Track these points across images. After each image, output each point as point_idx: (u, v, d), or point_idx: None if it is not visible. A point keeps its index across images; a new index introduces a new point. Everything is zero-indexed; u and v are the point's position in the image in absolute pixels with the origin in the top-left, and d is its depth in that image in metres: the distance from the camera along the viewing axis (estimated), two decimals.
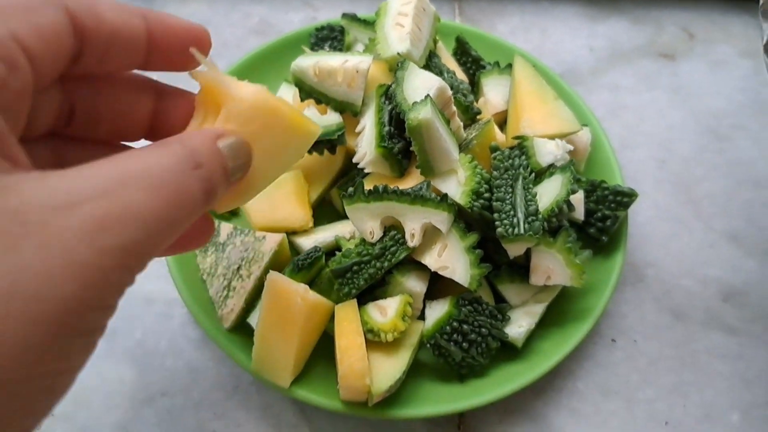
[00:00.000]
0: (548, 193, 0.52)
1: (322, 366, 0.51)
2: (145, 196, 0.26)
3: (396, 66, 0.54)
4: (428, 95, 0.50)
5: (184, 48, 0.34)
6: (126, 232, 0.25)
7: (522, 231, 0.48)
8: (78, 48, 0.30)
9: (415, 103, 0.50)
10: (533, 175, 0.53)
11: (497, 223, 0.49)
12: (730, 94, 0.72)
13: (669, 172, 0.67)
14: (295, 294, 0.48)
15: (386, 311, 0.50)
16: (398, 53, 0.55)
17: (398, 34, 0.56)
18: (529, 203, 0.50)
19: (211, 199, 0.30)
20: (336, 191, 0.59)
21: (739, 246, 0.62)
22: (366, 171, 0.53)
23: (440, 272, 0.50)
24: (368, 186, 0.53)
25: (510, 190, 0.50)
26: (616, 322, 0.58)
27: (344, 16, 0.66)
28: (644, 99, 0.72)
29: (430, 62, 0.58)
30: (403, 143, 0.53)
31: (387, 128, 0.52)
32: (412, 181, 0.53)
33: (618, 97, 0.72)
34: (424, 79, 0.53)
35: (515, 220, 0.49)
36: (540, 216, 0.49)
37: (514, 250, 0.50)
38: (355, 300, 0.51)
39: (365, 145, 0.54)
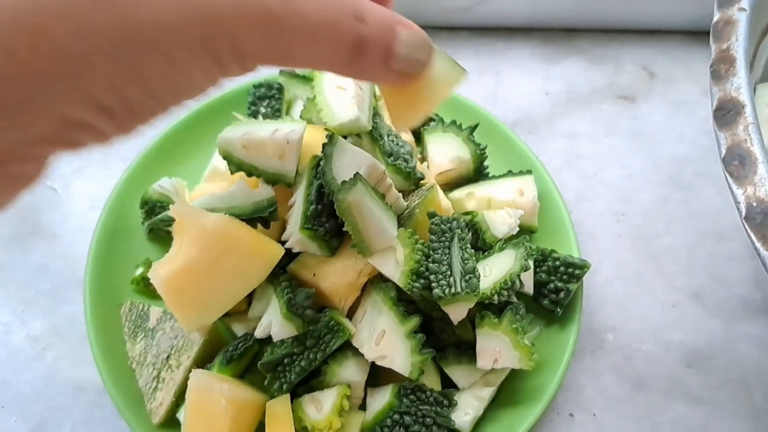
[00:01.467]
0: (499, 266, 0.49)
1: None
2: None
3: (325, 140, 0.50)
4: (357, 173, 0.47)
5: None
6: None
7: (459, 289, 0.45)
8: None
9: (343, 182, 0.46)
10: (470, 234, 0.50)
11: (434, 284, 0.46)
12: (693, 137, 0.70)
13: (628, 225, 0.64)
14: (219, 396, 0.45)
15: (322, 405, 0.47)
16: (349, 120, 0.52)
17: (342, 99, 0.53)
18: (465, 262, 0.47)
19: (358, 61, 0.30)
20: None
21: (703, 305, 0.59)
22: (294, 251, 0.50)
23: (378, 362, 0.47)
24: (294, 266, 0.51)
25: (447, 251, 0.47)
26: (574, 395, 0.55)
27: (282, 72, 0.62)
28: (603, 146, 0.69)
29: (375, 124, 0.55)
30: (332, 222, 0.49)
31: (313, 207, 0.49)
32: (338, 264, 0.50)
33: (575, 145, 0.69)
34: (353, 156, 0.49)
35: (451, 279, 0.46)
36: (477, 273, 0.46)
37: (456, 312, 0.47)
38: (287, 396, 0.47)
39: (293, 223, 0.50)
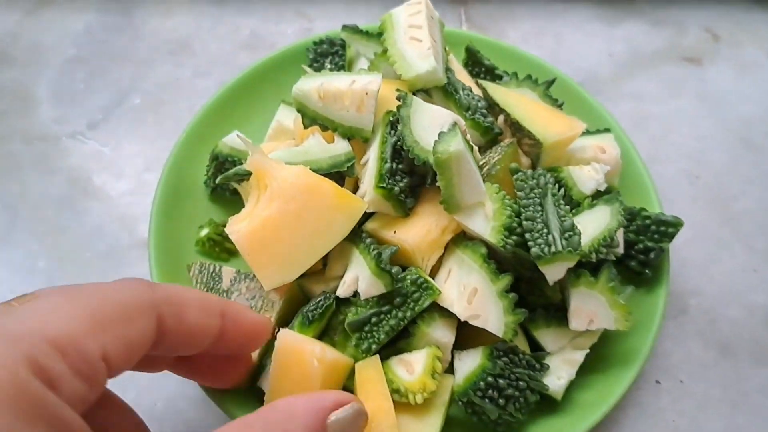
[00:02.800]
0: (593, 223, 0.47)
1: None
2: None
3: (398, 101, 0.48)
4: (455, 123, 0.44)
5: (248, 339, 0.40)
6: None
7: (560, 248, 0.43)
8: (155, 343, 0.33)
9: (441, 133, 0.44)
10: (561, 191, 0.47)
11: (530, 243, 0.43)
12: (761, 99, 0.68)
13: (702, 187, 0.62)
14: (310, 355, 0.42)
15: (413, 367, 0.44)
16: (426, 71, 0.49)
17: (417, 50, 0.51)
18: (563, 219, 0.44)
19: None
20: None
21: None
22: (368, 210, 0.47)
23: (471, 321, 0.45)
24: (372, 225, 0.48)
25: (539, 208, 0.45)
26: (660, 362, 0.53)
27: (345, 28, 0.60)
28: (670, 108, 0.67)
29: (448, 79, 0.52)
30: (407, 181, 0.47)
31: (388, 165, 0.46)
32: (419, 222, 0.47)
33: (642, 107, 0.67)
34: (433, 115, 0.47)
35: (550, 237, 0.43)
36: (577, 230, 0.44)
37: (553, 272, 0.44)
38: (377, 356, 0.45)
39: (367, 181, 0.48)
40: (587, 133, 0.56)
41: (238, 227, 0.44)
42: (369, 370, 0.44)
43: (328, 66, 0.59)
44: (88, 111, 0.64)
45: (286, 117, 0.57)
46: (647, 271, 0.51)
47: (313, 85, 0.49)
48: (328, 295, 0.48)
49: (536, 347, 0.49)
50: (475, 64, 0.61)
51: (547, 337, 0.48)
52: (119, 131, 0.63)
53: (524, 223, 0.45)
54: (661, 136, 0.65)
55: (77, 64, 0.67)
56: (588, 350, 0.48)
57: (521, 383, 0.45)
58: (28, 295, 0.30)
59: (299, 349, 0.42)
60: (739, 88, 0.68)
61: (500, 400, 0.44)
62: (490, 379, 0.44)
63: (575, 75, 0.68)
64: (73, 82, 0.66)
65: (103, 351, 0.28)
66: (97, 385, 0.28)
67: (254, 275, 0.48)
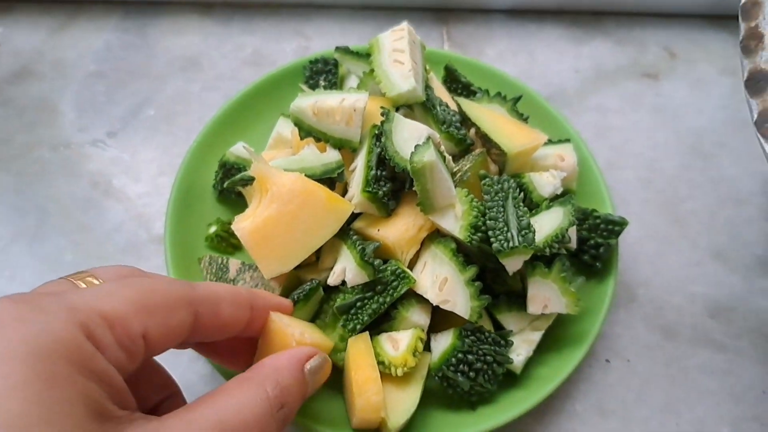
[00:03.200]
0: (548, 222, 0.54)
1: (326, 398, 0.53)
2: None
3: (381, 117, 0.55)
4: (429, 137, 0.52)
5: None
6: None
7: (516, 243, 0.50)
8: (191, 333, 0.37)
9: (417, 146, 0.51)
10: (522, 194, 0.55)
11: (492, 239, 0.51)
12: (711, 112, 0.75)
13: (655, 191, 0.69)
14: (291, 338, 0.48)
15: (398, 344, 0.52)
16: (407, 90, 0.57)
17: (399, 71, 0.58)
18: (520, 218, 0.52)
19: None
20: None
21: (724, 262, 0.65)
22: (355, 212, 0.55)
23: (442, 306, 0.52)
24: (359, 224, 0.56)
25: (502, 209, 0.52)
26: (610, 343, 0.60)
27: (337, 49, 0.67)
28: (630, 120, 0.74)
29: (427, 95, 0.60)
30: (389, 186, 0.54)
31: (374, 172, 0.54)
32: (399, 221, 0.55)
33: (605, 119, 0.74)
34: (411, 129, 0.55)
35: (509, 234, 0.51)
36: (532, 228, 0.51)
37: (512, 264, 0.51)
38: (367, 333, 0.53)
39: (354, 186, 0.55)
40: (550, 142, 0.64)
41: (242, 225, 0.52)
42: (360, 344, 0.51)
43: (322, 83, 0.67)
44: (108, 121, 0.71)
45: (285, 128, 0.64)
46: (598, 264, 0.58)
47: (308, 102, 0.56)
48: (313, 281, 0.55)
49: (499, 329, 0.56)
50: (453, 80, 0.68)
51: (509, 319, 0.56)
52: (136, 139, 0.70)
53: (488, 222, 0.52)
54: (620, 145, 0.72)
55: (98, 79, 0.74)
56: (544, 331, 0.55)
57: (488, 357, 0.52)
58: (84, 272, 0.37)
59: (282, 331, 0.49)
60: (692, 102, 0.76)
61: (471, 374, 0.52)
62: (460, 355, 0.52)
63: (545, 89, 0.76)
64: (94, 95, 0.73)
65: (145, 331, 0.33)
66: (136, 358, 0.33)
67: (257, 266, 0.56)
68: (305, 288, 0.54)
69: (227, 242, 0.60)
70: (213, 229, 0.60)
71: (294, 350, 0.42)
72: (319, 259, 0.57)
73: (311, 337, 0.51)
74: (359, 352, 0.51)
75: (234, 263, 0.57)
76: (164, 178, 0.66)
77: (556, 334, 0.57)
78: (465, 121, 0.62)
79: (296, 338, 0.49)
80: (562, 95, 0.76)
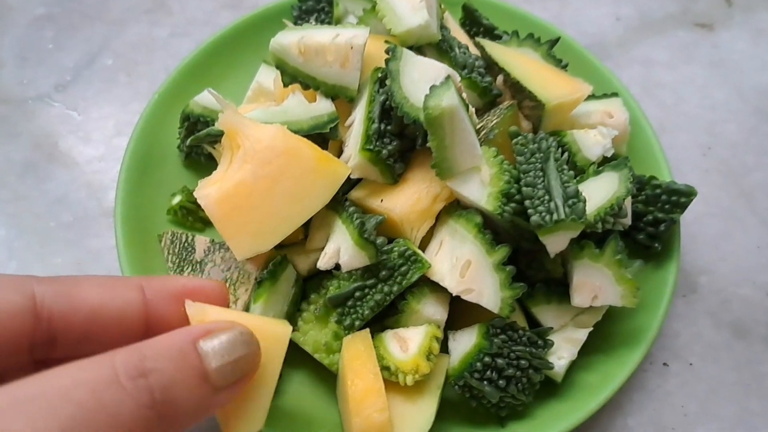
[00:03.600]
0: (598, 191, 0.43)
1: (316, 407, 0.42)
2: (23, 424, 0.23)
3: (386, 55, 0.44)
4: (449, 76, 0.40)
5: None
6: None
7: (563, 216, 0.39)
8: (46, 330, 0.30)
9: (433, 87, 0.40)
10: (566, 155, 0.43)
11: (530, 211, 0.40)
12: None
13: (716, 159, 0.58)
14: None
15: (407, 345, 0.41)
16: (418, 25, 0.45)
17: (409, 3, 0.47)
18: (566, 185, 0.41)
19: (169, 417, 0.27)
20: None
21: None
22: (352, 176, 0.43)
23: (464, 296, 0.41)
24: (357, 193, 0.45)
25: (540, 173, 0.41)
26: (668, 342, 0.50)
27: None
28: (682, 75, 0.63)
29: (443, 36, 0.48)
30: (396, 144, 0.43)
31: (376, 126, 0.42)
32: (408, 189, 0.43)
33: (652, 73, 0.63)
34: (424, 68, 0.43)
35: (552, 204, 0.39)
36: (582, 197, 0.40)
37: (555, 243, 0.41)
38: (367, 330, 0.41)
39: (352, 144, 0.44)
40: (593, 97, 0.52)
41: (207, 191, 0.40)
42: (358, 345, 0.41)
43: (313, 23, 0.55)
44: (56, 72, 0.60)
45: (267, 77, 0.53)
46: (657, 244, 0.47)
47: (292, 38, 0.45)
48: (284, 257, 0.44)
49: (535, 326, 0.45)
50: (473, 23, 0.56)
51: (547, 314, 0.45)
52: (89, 93, 0.59)
53: (524, 189, 0.41)
54: (671, 104, 0.61)
55: (45, 23, 0.63)
56: (591, 329, 0.44)
57: (522, 362, 0.41)
58: None
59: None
60: (754, 55, 0.64)
61: (500, 382, 0.41)
62: (487, 359, 0.41)
63: (581, 39, 0.64)
64: (40, 42, 0.62)
65: None
66: None
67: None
68: (268, 266, 0.43)
69: (194, 216, 0.49)
70: (177, 199, 0.49)
71: (185, 327, 0.30)
72: (307, 237, 0.46)
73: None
74: (357, 357, 0.40)
75: (201, 241, 0.46)
76: (121, 139, 0.55)
77: (605, 332, 0.46)
78: (490, 67, 0.50)
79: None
80: (600, 46, 0.64)
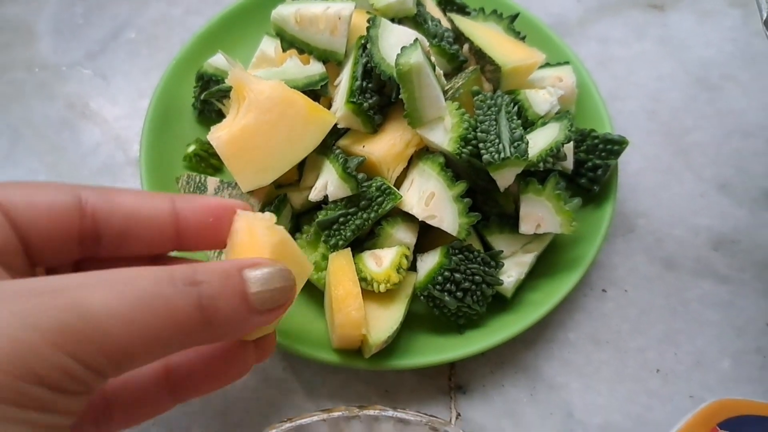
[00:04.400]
0: (543, 138, 0.51)
1: (306, 319, 0.51)
2: (102, 295, 0.27)
3: (367, 24, 0.52)
4: (416, 38, 0.49)
5: (215, 226, 0.37)
6: (62, 316, 0.25)
7: (508, 154, 0.47)
8: (91, 226, 0.33)
9: (403, 48, 0.48)
10: (516, 108, 0.51)
11: (482, 152, 0.48)
12: (719, 44, 0.71)
13: (659, 122, 0.66)
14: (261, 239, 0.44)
15: (382, 261, 0.49)
16: (396, 0, 0.54)
17: None
18: (513, 131, 0.49)
19: (212, 323, 0.30)
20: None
21: (729, 195, 0.62)
22: (339, 125, 0.52)
23: (428, 221, 0.49)
24: (344, 141, 0.53)
25: (494, 122, 0.49)
26: (607, 273, 0.58)
27: None
28: (634, 50, 0.71)
29: (418, 10, 0.57)
30: (376, 99, 0.51)
31: (359, 83, 0.51)
32: (386, 137, 0.52)
33: (607, 49, 0.71)
34: (399, 34, 0.51)
35: (500, 146, 0.47)
36: (525, 140, 0.48)
37: (503, 178, 0.49)
38: (349, 249, 0.50)
39: (339, 99, 0.52)
40: (548, 65, 0.60)
41: (218, 134, 0.49)
42: (341, 259, 0.49)
43: None
44: (86, 43, 0.68)
45: (269, 46, 0.61)
46: (596, 187, 0.55)
47: (290, 10, 0.53)
48: (283, 195, 0.53)
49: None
50: (447, 2, 0.64)
51: (500, 241, 0.53)
52: (115, 62, 0.67)
53: (479, 135, 0.49)
54: (623, 76, 0.69)
55: (76, 1, 0.71)
56: (537, 254, 0.53)
57: (476, 277, 0.50)
58: None
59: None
60: (699, 34, 0.72)
61: (458, 293, 0.49)
62: (446, 273, 0.49)
63: (546, 18, 0.72)
64: (72, 17, 0.70)
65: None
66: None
67: (235, 184, 0.53)
68: (274, 201, 0.52)
69: (206, 162, 0.57)
70: (192, 148, 0.57)
71: (236, 259, 0.34)
72: (301, 177, 0.54)
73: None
74: (340, 268, 0.48)
75: (212, 181, 0.54)
76: (143, 101, 0.63)
77: (550, 260, 0.54)
78: (458, 37, 0.58)
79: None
80: (563, 24, 0.72)
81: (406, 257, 0.49)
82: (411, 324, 0.51)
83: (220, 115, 0.59)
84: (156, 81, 0.60)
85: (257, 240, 0.35)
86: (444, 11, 0.64)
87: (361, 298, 0.47)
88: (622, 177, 0.62)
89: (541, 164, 0.50)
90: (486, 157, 0.48)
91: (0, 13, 0.69)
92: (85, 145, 0.62)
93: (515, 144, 0.48)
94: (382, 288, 0.48)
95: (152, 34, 0.69)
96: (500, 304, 0.52)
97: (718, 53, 0.71)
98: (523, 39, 0.60)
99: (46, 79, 0.66)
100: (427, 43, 0.53)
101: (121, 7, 0.71)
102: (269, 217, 0.36)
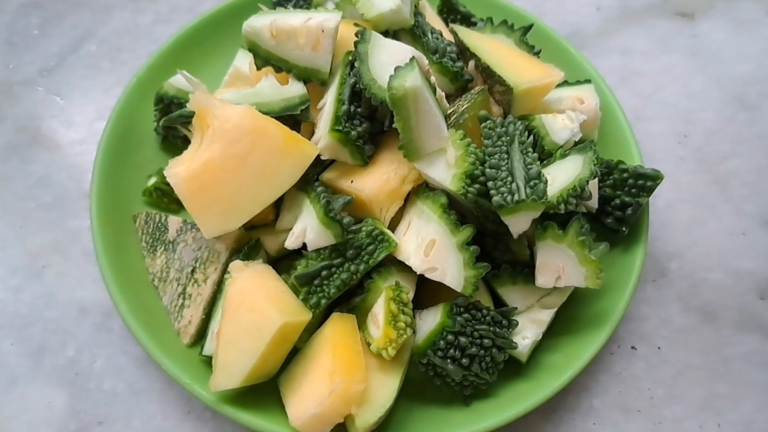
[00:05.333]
0: (563, 173, 0.43)
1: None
2: None
3: (355, 38, 0.44)
4: (413, 57, 0.41)
5: None
6: None
7: (524, 196, 0.39)
8: None
9: (398, 68, 0.41)
10: (531, 139, 0.44)
11: (492, 192, 0.40)
12: (757, 57, 0.64)
13: (691, 147, 0.59)
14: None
15: (378, 319, 0.42)
16: (390, 10, 0.46)
17: None
18: (528, 167, 0.41)
19: None
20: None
21: None
22: (322, 157, 0.44)
23: (428, 275, 0.42)
24: (329, 175, 0.46)
25: (505, 156, 0.42)
26: (636, 326, 0.50)
27: None
28: (660, 64, 0.63)
29: (416, 21, 0.49)
30: (366, 126, 0.44)
31: (346, 107, 0.43)
32: (378, 171, 0.44)
33: (630, 62, 0.63)
34: (392, 51, 0.44)
35: (514, 185, 0.40)
36: (543, 178, 0.41)
37: (517, 223, 0.41)
38: (353, 317, 0.43)
39: (322, 126, 0.45)
40: (566, 84, 0.53)
41: (176, 170, 0.41)
42: (345, 323, 0.42)
43: (289, 8, 0.55)
44: (41, 57, 0.61)
45: (244, 62, 0.53)
46: (624, 228, 0.48)
47: (264, 21, 0.45)
48: (256, 240, 0.45)
49: (502, 307, 0.45)
50: (450, 11, 0.57)
51: (512, 295, 0.45)
52: (72, 78, 0.60)
53: (487, 171, 0.41)
54: (648, 93, 0.62)
55: (31, 9, 0.64)
56: (556, 310, 0.45)
57: (485, 341, 0.42)
58: None
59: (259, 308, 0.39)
60: (734, 45, 0.65)
61: (464, 360, 0.42)
62: (450, 337, 0.41)
63: (561, 29, 0.65)
64: (27, 28, 0.63)
65: None
66: None
67: None
68: (244, 248, 0.44)
69: (169, 197, 0.50)
70: (152, 180, 0.50)
71: None
72: (278, 217, 0.46)
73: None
74: (343, 331, 0.41)
75: (174, 222, 0.47)
76: (102, 123, 0.55)
77: (571, 314, 0.47)
78: (463, 52, 0.51)
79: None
80: (580, 35, 0.65)
81: (394, 300, 0.41)
82: (407, 393, 0.43)
83: (186, 141, 0.51)
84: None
85: None
86: (446, 21, 0.57)
87: (365, 369, 0.39)
88: (651, 212, 0.54)
89: (562, 206, 0.42)
90: (497, 198, 0.40)
91: None
92: (34, 175, 0.55)
93: (531, 183, 0.40)
94: (391, 353, 0.40)
95: (115, 46, 0.62)
96: (513, 368, 0.45)
97: (757, 68, 0.63)
98: (537, 54, 0.52)
99: None
100: (426, 62, 0.45)
101: (82, 15, 0.64)
102: None
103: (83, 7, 0.64)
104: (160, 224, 0.47)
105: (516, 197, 0.39)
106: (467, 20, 0.56)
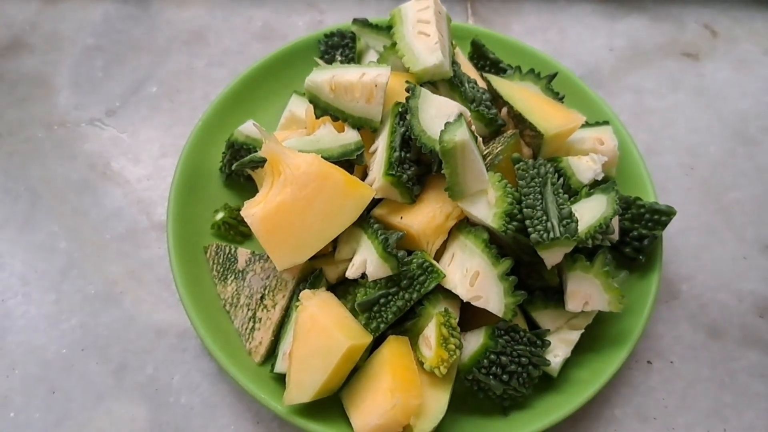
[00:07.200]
0: (589, 211, 0.49)
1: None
2: None
3: (406, 93, 0.50)
4: (461, 114, 0.47)
5: None
6: None
7: (558, 234, 0.45)
8: None
9: (448, 123, 0.46)
10: (561, 180, 0.49)
11: (530, 229, 0.46)
12: (756, 94, 0.70)
13: (697, 178, 0.64)
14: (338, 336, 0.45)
15: (430, 342, 0.47)
16: (433, 65, 0.52)
17: (425, 44, 0.53)
18: (561, 207, 0.47)
19: None
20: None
21: None
22: (376, 197, 0.50)
23: (473, 302, 0.47)
24: (380, 211, 0.51)
25: (539, 196, 0.47)
26: (652, 343, 0.56)
27: (355, 21, 0.62)
28: (669, 102, 0.69)
29: (454, 71, 0.55)
30: (414, 169, 0.49)
31: (397, 154, 0.49)
32: (425, 208, 0.50)
33: (641, 101, 0.69)
34: (439, 105, 0.50)
35: (549, 224, 0.46)
36: (575, 218, 0.46)
37: (551, 257, 0.47)
38: (406, 339, 0.48)
39: (375, 169, 0.50)
40: (587, 125, 0.58)
41: (253, 211, 0.47)
42: (401, 346, 0.48)
43: (339, 58, 0.61)
44: (106, 98, 0.66)
45: (298, 107, 0.59)
46: (641, 257, 0.53)
47: (324, 77, 0.51)
48: (318, 270, 0.51)
49: (534, 328, 0.51)
50: (480, 57, 0.63)
51: (544, 317, 0.51)
52: (136, 118, 0.65)
53: (525, 210, 0.47)
54: (659, 128, 0.67)
55: (95, 53, 0.69)
56: (583, 330, 0.50)
57: (523, 359, 0.47)
58: None
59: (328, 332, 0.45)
60: (735, 84, 0.70)
61: (504, 376, 0.47)
62: (492, 356, 0.47)
63: (577, 68, 0.71)
64: (92, 71, 0.68)
65: None
66: None
67: (267, 256, 0.51)
68: (309, 277, 0.50)
69: (236, 230, 0.55)
70: (220, 215, 0.55)
71: None
72: (335, 249, 0.52)
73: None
74: (399, 353, 0.47)
75: (243, 253, 0.52)
76: (166, 160, 0.61)
77: (595, 334, 0.52)
78: (495, 99, 0.57)
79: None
80: (595, 75, 0.70)
81: (445, 325, 0.47)
82: (452, 404, 0.48)
83: (248, 179, 0.57)
84: (179, 137, 0.58)
85: None
86: (477, 66, 0.63)
87: (420, 386, 0.45)
88: (664, 238, 0.60)
89: (590, 241, 0.48)
90: (534, 236, 0.46)
91: (16, 65, 0.67)
92: (107, 209, 0.60)
93: (564, 222, 0.46)
94: (444, 370, 0.46)
95: (174, 88, 0.67)
96: (546, 382, 0.50)
97: (755, 104, 0.69)
98: (561, 99, 0.58)
99: (65, 136, 0.64)
100: (469, 115, 0.51)
101: (142, 59, 0.69)
102: None
103: (142, 50, 0.69)
104: (230, 255, 0.53)
105: (551, 235, 0.45)
106: (496, 66, 0.62)
